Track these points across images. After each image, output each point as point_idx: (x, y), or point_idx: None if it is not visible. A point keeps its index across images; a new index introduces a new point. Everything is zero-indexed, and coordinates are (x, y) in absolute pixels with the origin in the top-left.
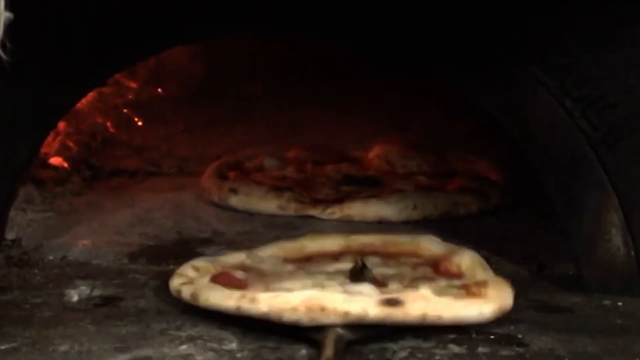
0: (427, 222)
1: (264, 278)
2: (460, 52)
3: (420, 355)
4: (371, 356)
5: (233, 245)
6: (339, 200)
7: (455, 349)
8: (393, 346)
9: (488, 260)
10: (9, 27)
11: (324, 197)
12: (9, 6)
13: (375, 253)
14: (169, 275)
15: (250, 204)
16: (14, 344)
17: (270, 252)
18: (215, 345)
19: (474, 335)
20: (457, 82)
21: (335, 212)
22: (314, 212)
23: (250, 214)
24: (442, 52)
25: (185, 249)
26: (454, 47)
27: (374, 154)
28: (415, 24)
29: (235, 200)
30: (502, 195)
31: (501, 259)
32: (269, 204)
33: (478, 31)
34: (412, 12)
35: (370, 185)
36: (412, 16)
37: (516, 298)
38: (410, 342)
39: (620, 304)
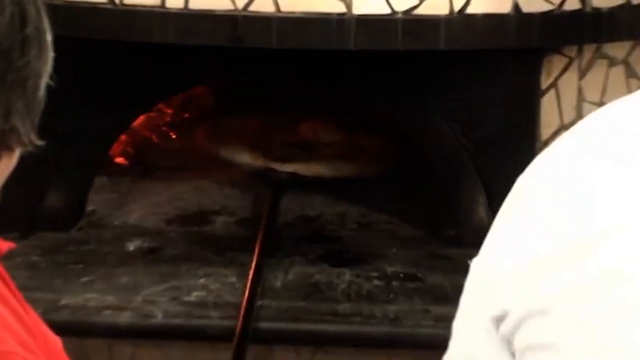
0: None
1: None
2: (384, 87)
3: (354, 287)
4: (321, 286)
5: (235, 214)
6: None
7: (377, 282)
8: (336, 278)
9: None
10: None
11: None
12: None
13: None
14: (194, 234)
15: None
16: (92, 277)
17: None
18: (222, 279)
19: (389, 274)
20: (382, 108)
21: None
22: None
23: (245, 192)
24: (373, 87)
25: (203, 217)
26: (381, 84)
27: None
28: (356, 69)
29: (223, 153)
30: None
31: (405, 223)
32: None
33: (396, 73)
34: (352, 62)
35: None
36: (352, 65)
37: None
38: (347, 279)
39: None
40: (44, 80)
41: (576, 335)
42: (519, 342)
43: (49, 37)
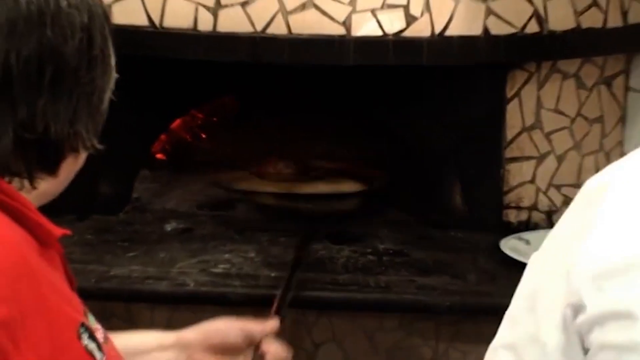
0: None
1: None
2: (380, 98)
3: (352, 261)
4: (325, 260)
5: (253, 202)
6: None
7: (371, 257)
8: (337, 254)
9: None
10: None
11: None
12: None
13: None
14: (220, 217)
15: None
16: (136, 253)
17: None
18: (242, 254)
19: (381, 250)
20: (379, 115)
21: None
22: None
23: None
24: (371, 98)
25: (228, 203)
26: (378, 95)
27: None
28: (356, 82)
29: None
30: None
31: (395, 209)
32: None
33: (390, 86)
34: (353, 76)
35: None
36: (352, 78)
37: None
38: (346, 254)
39: (460, 234)
40: (107, 96)
41: None
42: (596, 339)
43: (113, 61)
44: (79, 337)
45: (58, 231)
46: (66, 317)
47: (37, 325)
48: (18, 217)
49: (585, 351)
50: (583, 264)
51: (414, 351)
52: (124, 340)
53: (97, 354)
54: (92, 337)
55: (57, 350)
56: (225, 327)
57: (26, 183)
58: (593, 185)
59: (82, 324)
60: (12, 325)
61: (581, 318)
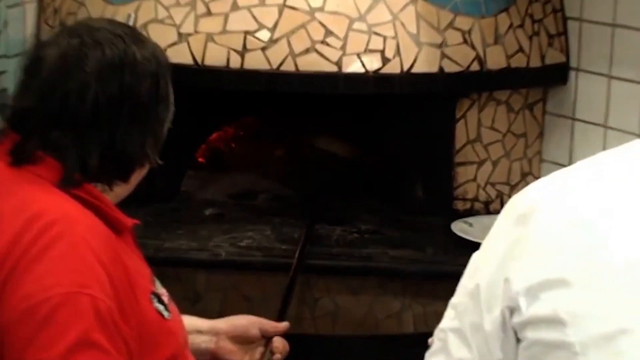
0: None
1: None
2: (364, 118)
3: (342, 238)
4: (322, 237)
5: (270, 193)
6: None
7: (356, 235)
8: (331, 232)
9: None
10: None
11: None
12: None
13: None
14: (245, 205)
15: None
16: (183, 231)
17: None
18: (261, 232)
19: (363, 230)
20: (362, 131)
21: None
22: None
23: (276, 180)
24: (357, 117)
25: (251, 195)
26: (362, 116)
27: None
28: (346, 106)
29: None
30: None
31: (374, 199)
32: None
33: (370, 109)
34: (343, 102)
35: None
36: (343, 104)
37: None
38: (338, 232)
39: (421, 218)
40: (167, 125)
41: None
42: (530, 335)
43: (171, 99)
44: (151, 302)
45: (130, 221)
46: (141, 287)
47: (127, 295)
48: (100, 212)
49: (518, 340)
50: (520, 277)
51: (387, 304)
52: None
53: (165, 313)
54: (160, 300)
55: (138, 313)
56: (248, 323)
57: (105, 187)
58: (524, 203)
59: (153, 292)
60: (117, 299)
61: (517, 318)
